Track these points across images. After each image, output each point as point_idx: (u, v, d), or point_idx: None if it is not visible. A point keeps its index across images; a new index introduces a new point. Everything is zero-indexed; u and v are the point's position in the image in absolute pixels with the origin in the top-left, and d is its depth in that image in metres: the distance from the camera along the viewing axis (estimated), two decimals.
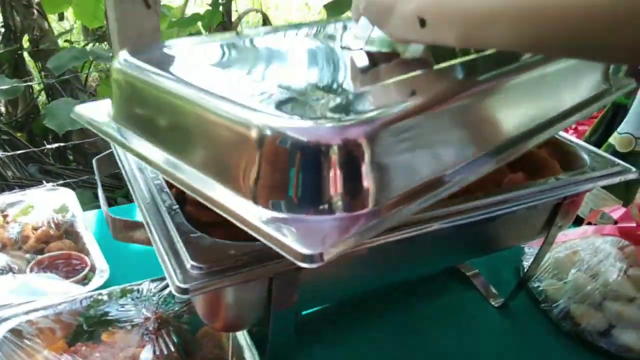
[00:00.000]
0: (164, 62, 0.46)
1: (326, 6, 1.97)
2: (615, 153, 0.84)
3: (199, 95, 0.38)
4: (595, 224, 0.80)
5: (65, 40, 2.60)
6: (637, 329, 0.66)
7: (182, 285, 0.37)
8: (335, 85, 0.43)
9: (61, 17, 3.15)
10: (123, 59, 0.46)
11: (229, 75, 0.44)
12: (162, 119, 0.42)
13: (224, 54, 0.51)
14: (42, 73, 2.18)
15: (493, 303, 0.73)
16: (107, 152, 0.56)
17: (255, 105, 0.35)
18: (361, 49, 0.48)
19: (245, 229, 0.33)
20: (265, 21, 2.27)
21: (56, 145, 1.65)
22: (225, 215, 0.34)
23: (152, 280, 0.61)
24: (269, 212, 0.33)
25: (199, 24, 2.03)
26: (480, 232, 0.59)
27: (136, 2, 1.29)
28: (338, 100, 0.37)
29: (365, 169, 0.34)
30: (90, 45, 2.43)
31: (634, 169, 0.62)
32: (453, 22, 0.37)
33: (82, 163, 2.21)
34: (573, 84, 0.56)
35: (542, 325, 0.70)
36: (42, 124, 1.76)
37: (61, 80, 1.85)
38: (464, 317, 0.72)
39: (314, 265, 0.29)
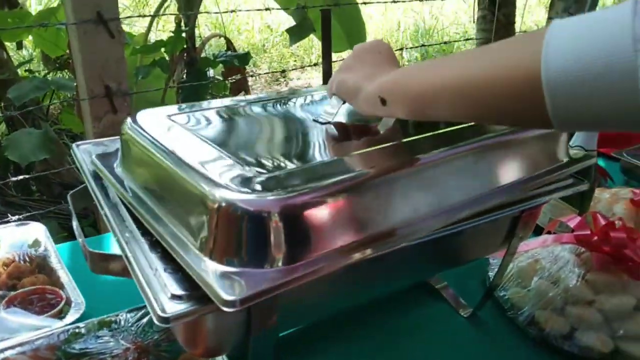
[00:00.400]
0: (160, 130, 0.54)
1: (288, 30, 2.02)
2: None
3: (176, 165, 0.47)
4: (554, 233, 0.84)
5: (26, 70, 2.57)
6: (597, 331, 0.70)
7: (164, 315, 0.38)
8: (290, 158, 0.50)
9: (19, 46, 3.10)
10: (130, 123, 0.56)
11: (205, 147, 0.51)
12: (152, 179, 0.51)
13: (211, 123, 0.60)
14: (2, 104, 2.14)
15: (462, 313, 0.76)
16: (82, 186, 0.57)
17: (218, 178, 0.43)
18: (329, 122, 0.57)
19: (193, 276, 0.40)
20: (229, 46, 2.29)
21: (21, 177, 1.62)
22: (185, 268, 0.41)
23: (129, 311, 0.62)
24: (222, 267, 0.40)
25: (162, 50, 2.04)
26: (447, 247, 0.62)
27: (100, 33, 1.30)
28: (286, 173, 0.45)
29: (299, 231, 0.41)
30: (52, 74, 2.40)
31: (586, 181, 0.66)
32: (407, 101, 0.46)
33: (46, 193, 2.17)
34: (528, 157, 0.59)
35: (509, 332, 0.73)
36: (3, 155, 1.73)
37: (24, 111, 1.83)
38: (436, 328, 0.75)
39: (232, 309, 0.36)
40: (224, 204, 0.40)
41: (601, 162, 1.32)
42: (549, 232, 0.86)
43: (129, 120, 0.58)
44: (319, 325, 0.73)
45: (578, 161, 0.62)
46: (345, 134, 0.57)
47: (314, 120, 0.60)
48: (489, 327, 0.75)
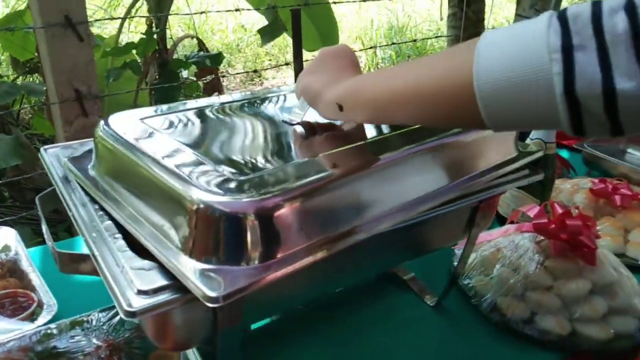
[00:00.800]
0: (134, 133, 0.56)
1: (260, 31, 2.03)
2: None
3: (153, 167, 0.48)
4: (516, 223, 0.88)
5: None
6: (556, 314, 0.74)
7: (130, 309, 0.40)
8: (262, 160, 0.53)
9: None
10: (103, 127, 0.57)
11: (180, 149, 0.52)
12: (128, 181, 0.53)
13: (184, 126, 0.61)
14: None
15: (428, 302, 0.79)
16: (50, 189, 0.58)
17: (196, 181, 0.45)
18: (299, 122, 0.60)
19: (176, 275, 0.42)
20: (201, 46, 2.29)
21: None
22: (165, 265, 0.43)
23: (101, 310, 0.63)
24: (201, 264, 0.42)
25: (134, 52, 2.03)
26: (411, 238, 0.65)
27: (68, 36, 1.30)
28: (259, 175, 0.48)
29: (273, 231, 0.43)
30: (21, 78, 2.37)
31: (539, 172, 0.70)
32: (362, 108, 0.49)
33: (18, 199, 2.14)
34: (483, 153, 0.63)
35: (473, 318, 0.76)
36: None
37: None
38: (403, 317, 0.77)
39: (216, 305, 0.38)
40: (202, 206, 0.42)
41: (565, 154, 1.37)
42: (512, 222, 0.89)
43: (102, 123, 0.59)
44: (288, 316, 0.75)
45: (526, 155, 0.66)
46: (313, 134, 0.59)
47: (284, 121, 0.62)
48: (454, 314, 0.78)
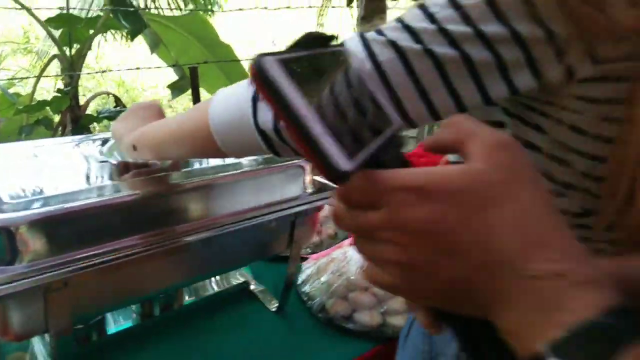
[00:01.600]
0: None
1: (169, 86, 2.19)
2: None
3: None
4: None
5: None
6: (370, 310, 0.90)
7: None
8: (52, 187, 0.66)
9: None
10: None
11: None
12: None
13: (23, 160, 0.76)
14: None
15: (271, 308, 0.93)
16: None
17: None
18: (106, 161, 0.76)
19: None
20: (118, 102, 2.43)
21: None
22: None
23: None
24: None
25: (48, 108, 2.14)
26: (231, 246, 0.79)
27: None
28: (41, 198, 0.62)
29: (38, 239, 0.58)
30: None
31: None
32: (147, 148, 0.64)
33: None
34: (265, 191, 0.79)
35: (306, 319, 0.91)
36: None
37: None
38: (251, 322, 0.91)
39: None
40: None
41: None
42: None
43: None
44: (147, 323, 0.87)
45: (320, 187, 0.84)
46: (127, 171, 0.74)
47: (100, 161, 0.78)
48: (291, 317, 0.92)
